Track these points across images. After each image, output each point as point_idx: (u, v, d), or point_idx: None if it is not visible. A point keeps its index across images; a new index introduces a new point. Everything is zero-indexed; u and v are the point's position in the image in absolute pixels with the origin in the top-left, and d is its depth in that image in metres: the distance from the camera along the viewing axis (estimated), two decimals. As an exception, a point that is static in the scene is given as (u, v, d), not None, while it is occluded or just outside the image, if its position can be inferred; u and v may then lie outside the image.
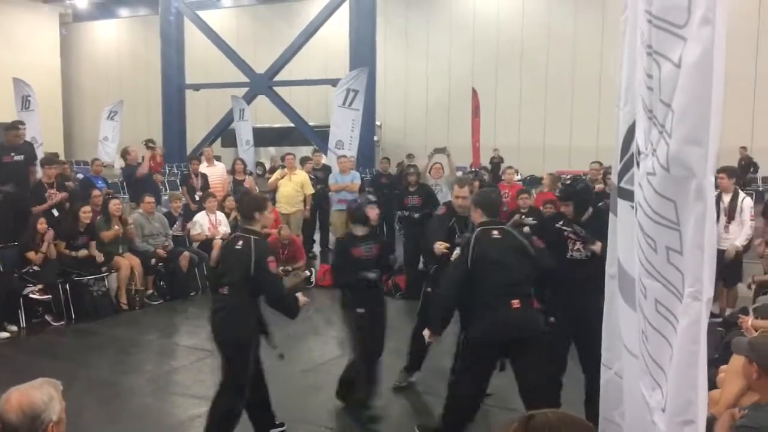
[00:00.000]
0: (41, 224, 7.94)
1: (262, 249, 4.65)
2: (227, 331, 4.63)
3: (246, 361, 4.59)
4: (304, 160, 12.50)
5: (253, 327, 4.66)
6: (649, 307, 2.32)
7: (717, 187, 8.72)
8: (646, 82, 2.26)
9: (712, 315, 8.00)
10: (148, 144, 12.01)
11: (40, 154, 12.12)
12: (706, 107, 2.02)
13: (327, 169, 12.18)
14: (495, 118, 26.68)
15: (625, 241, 2.68)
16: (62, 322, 7.83)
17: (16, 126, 9.47)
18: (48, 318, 7.85)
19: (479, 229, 4.74)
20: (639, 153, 2.38)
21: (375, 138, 24.89)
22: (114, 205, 8.77)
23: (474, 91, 22.32)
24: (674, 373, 2.18)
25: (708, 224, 2.08)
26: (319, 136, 21.57)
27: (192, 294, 9.25)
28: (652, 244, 2.26)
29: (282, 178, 11.12)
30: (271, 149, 27.64)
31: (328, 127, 15.44)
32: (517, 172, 11.98)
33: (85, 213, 8.37)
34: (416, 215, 9.10)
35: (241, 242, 4.64)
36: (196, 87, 28.15)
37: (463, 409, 4.82)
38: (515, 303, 4.49)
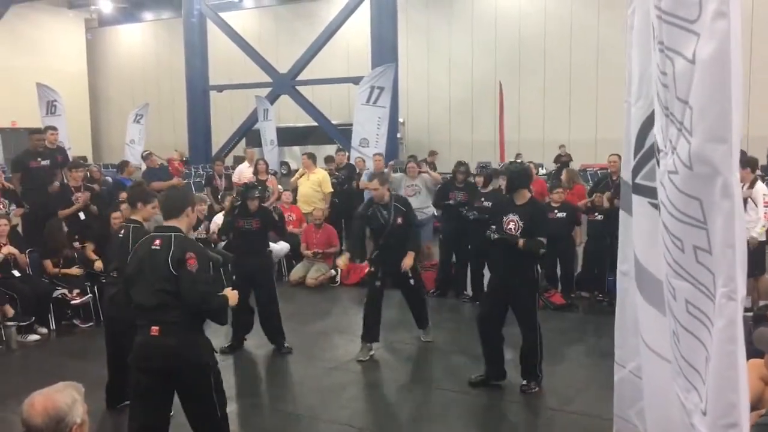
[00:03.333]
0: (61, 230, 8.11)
1: (138, 236, 4.72)
2: None
3: None
4: (328, 160, 12.49)
5: None
6: (679, 308, 2.27)
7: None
8: (660, 79, 2.22)
9: (744, 309, 7.91)
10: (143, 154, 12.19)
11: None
12: (726, 103, 1.98)
13: (350, 168, 12.15)
14: (519, 113, 26.51)
15: (644, 239, 2.63)
16: (90, 324, 7.95)
17: (38, 131, 9.65)
18: (76, 321, 7.98)
19: (149, 235, 4.16)
20: (659, 151, 2.34)
21: (398, 135, 24.86)
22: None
23: (500, 86, 22.15)
24: (713, 375, 2.13)
25: (737, 221, 2.04)
26: (343, 135, 21.60)
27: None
28: (679, 244, 2.22)
29: (301, 177, 11.18)
30: (296, 148, 27.77)
31: (351, 125, 15.42)
32: (541, 166, 11.89)
33: (116, 219, 8.46)
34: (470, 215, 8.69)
35: (122, 231, 5.26)
36: (220, 88, 28.36)
37: None
38: (154, 330, 3.89)
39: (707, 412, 2.14)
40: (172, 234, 3.98)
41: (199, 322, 4.04)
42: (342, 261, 7.43)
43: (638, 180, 2.66)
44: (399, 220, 6.87)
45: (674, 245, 2.26)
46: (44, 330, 7.64)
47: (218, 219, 9.89)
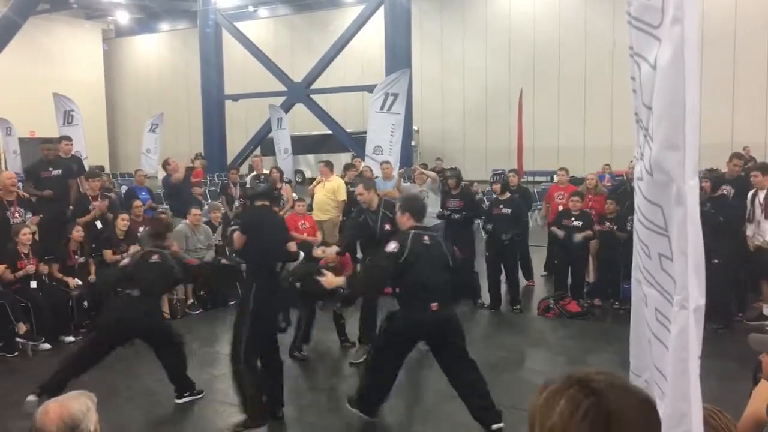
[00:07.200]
0: (77, 234, 8.16)
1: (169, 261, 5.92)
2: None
3: None
4: (348, 167, 12.46)
5: None
6: (650, 316, 2.28)
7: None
8: (631, 85, 2.24)
9: (763, 317, 7.79)
10: (197, 157, 12.19)
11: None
12: (680, 110, 1.97)
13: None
14: (534, 120, 26.43)
15: None
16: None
17: (51, 141, 9.74)
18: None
19: (413, 232, 5.17)
20: (634, 158, 2.37)
21: (413, 143, 24.86)
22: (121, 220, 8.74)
23: (521, 93, 21.99)
24: (669, 383, 2.13)
25: (690, 230, 2.02)
26: (357, 143, 21.63)
27: (232, 302, 9.32)
28: (647, 251, 2.23)
29: (318, 184, 11.18)
30: (310, 157, 27.83)
31: (366, 133, 15.43)
32: (567, 172, 11.72)
33: (123, 221, 8.51)
34: (456, 216, 9.08)
35: (156, 257, 5.85)
36: (235, 98, 28.53)
37: (380, 383, 5.29)
38: (434, 306, 5.00)
39: (664, 420, 2.13)
40: (433, 233, 5.41)
41: None
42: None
43: None
44: (387, 227, 6.76)
45: (643, 252, 2.27)
46: (70, 338, 7.68)
47: None
